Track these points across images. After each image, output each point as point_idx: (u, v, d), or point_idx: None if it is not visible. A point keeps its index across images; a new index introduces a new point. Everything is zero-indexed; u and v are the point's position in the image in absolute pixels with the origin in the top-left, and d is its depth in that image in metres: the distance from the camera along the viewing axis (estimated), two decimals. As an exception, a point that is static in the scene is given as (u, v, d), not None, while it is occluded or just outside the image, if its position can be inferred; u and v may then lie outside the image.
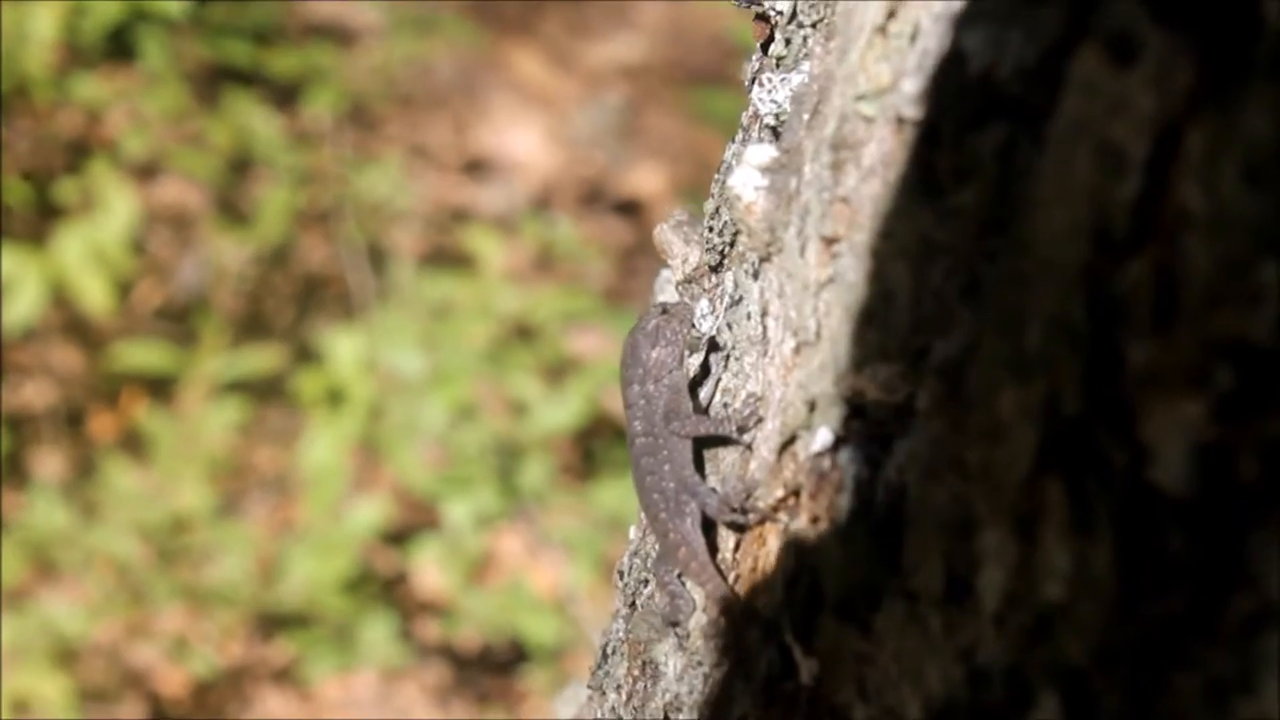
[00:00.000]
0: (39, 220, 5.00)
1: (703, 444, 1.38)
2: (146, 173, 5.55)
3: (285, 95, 5.42)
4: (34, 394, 5.17)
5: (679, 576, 1.38)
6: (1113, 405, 0.90)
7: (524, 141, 6.44)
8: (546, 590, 4.66)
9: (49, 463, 4.98)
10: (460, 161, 6.31)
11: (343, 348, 4.61)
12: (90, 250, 4.70)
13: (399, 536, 4.77)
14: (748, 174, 1.27)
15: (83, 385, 5.23)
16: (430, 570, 4.86)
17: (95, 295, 4.65)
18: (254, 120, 5.14)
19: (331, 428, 4.52)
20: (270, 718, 4.72)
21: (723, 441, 1.36)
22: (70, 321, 5.21)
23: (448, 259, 5.38)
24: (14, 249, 4.64)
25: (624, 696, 1.43)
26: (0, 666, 4.03)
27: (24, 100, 5.16)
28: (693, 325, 1.41)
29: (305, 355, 4.97)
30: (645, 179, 6.35)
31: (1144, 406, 0.88)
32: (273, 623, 4.62)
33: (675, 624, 1.39)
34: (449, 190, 6.14)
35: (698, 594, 1.37)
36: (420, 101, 6.48)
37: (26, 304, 4.57)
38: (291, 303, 5.52)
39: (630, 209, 6.22)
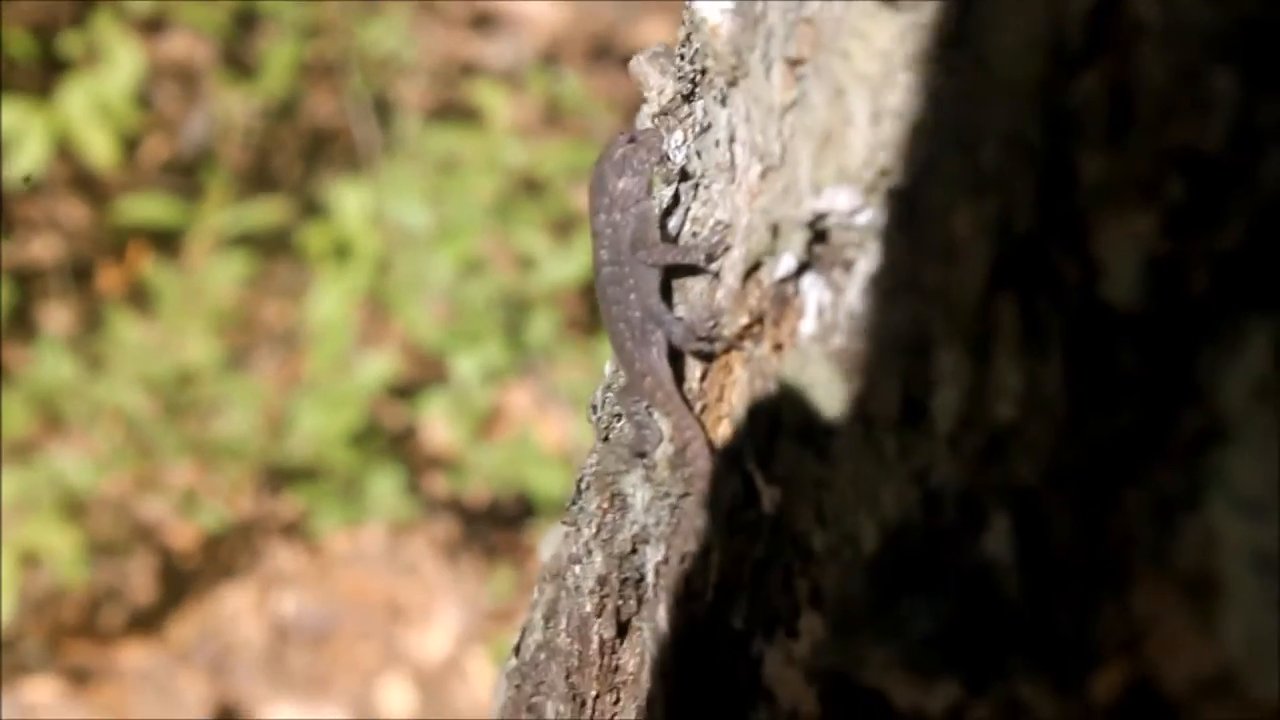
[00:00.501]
0: (43, 73, 4.97)
1: (671, 273, 1.37)
2: (152, 27, 5.50)
3: (291, -53, 5.35)
4: (40, 248, 5.17)
5: (646, 407, 1.37)
6: (1065, 221, 0.89)
7: (533, -5, 6.37)
8: (554, 444, 4.68)
9: (56, 316, 5.00)
10: (467, 16, 6.24)
11: (349, 202, 4.58)
12: (95, 104, 4.67)
13: (407, 391, 4.78)
14: (715, -3, 1.25)
15: (89, 239, 5.23)
16: (438, 424, 4.88)
17: (100, 149, 4.63)
18: (259, -28, 5.09)
19: (338, 282, 4.52)
20: (279, 570, 4.78)
21: (691, 270, 1.34)
22: (76, 175, 5.19)
23: (454, 113, 5.34)
24: (18, 102, 4.61)
25: (594, 529, 1.43)
26: (0, 519, 4.06)
27: (27, -46, 5.11)
28: (663, 155, 1.39)
29: (312, 209, 4.95)
30: (654, 34, 6.28)
31: (1096, 221, 0.87)
32: (281, 476, 4.65)
33: (642, 455, 1.38)
34: (456, 44, 6.08)
35: (664, 424, 1.36)
36: (428, -45, 6.40)
37: (31, 157, 4.55)
38: (298, 157, 5.49)
39: (640, 64, 6.14)
